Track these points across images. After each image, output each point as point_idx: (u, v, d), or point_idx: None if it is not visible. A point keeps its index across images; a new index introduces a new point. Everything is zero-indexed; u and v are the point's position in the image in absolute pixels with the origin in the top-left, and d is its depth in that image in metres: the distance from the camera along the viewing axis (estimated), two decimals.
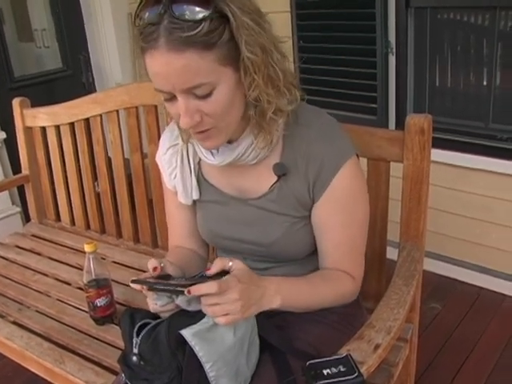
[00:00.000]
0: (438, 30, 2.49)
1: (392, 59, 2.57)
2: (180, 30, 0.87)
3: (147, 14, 0.89)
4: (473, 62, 2.47)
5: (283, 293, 1.04)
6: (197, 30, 0.87)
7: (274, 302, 1.02)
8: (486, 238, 2.53)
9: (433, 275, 2.63)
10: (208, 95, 0.94)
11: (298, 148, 1.09)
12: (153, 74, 0.94)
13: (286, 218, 1.14)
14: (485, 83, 2.43)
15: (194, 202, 1.25)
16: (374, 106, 2.64)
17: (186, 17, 0.87)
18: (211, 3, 0.88)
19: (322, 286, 1.14)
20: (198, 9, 0.87)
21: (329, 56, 2.68)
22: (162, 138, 1.26)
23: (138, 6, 0.92)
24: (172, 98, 0.96)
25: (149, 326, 1.01)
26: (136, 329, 1.01)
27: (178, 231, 1.32)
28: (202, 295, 0.92)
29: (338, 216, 1.12)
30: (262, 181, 1.14)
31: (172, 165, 1.22)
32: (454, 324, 2.36)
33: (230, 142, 1.08)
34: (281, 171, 1.10)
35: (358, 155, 1.13)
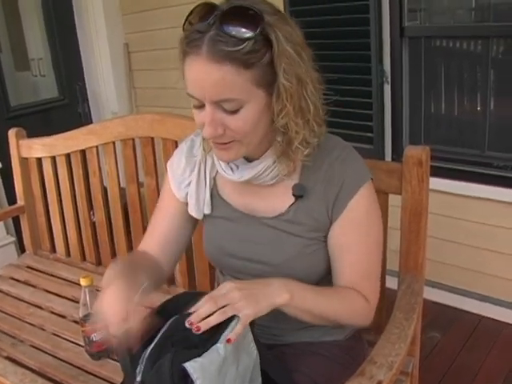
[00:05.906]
0: (432, 58, 2.52)
1: (387, 88, 2.59)
2: (224, 43, 0.91)
3: (197, 21, 0.94)
4: (467, 90, 2.49)
5: (291, 288, 1.01)
6: (240, 47, 0.91)
7: (282, 296, 0.98)
8: (487, 266, 2.51)
9: (432, 304, 2.60)
10: (235, 111, 0.97)
11: (318, 171, 1.10)
12: (189, 79, 0.98)
13: (299, 240, 1.13)
14: (479, 111, 2.45)
15: (200, 217, 1.24)
16: (370, 135, 2.65)
17: (233, 33, 0.91)
18: (259, 26, 0.92)
19: (332, 294, 1.11)
20: (244, 30, 0.91)
21: (324, 86, 2.68)
22: (180, 147, 1.27)
23: (191, 12, 0.96)
24: (201, 106, 0.99)
25: (149, 351, 0.98)
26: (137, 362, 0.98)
27: (157, 238, 1.27)
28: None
29: (355, 236, 1.12)
30: (276, 202, 1.14)
31: (185, 173, 1.23)
32: (454, 353, 2.33)
33: (251, 160, 1.10)
34: (300, 192, 1.11)
35: (372, 179, 1.14)
